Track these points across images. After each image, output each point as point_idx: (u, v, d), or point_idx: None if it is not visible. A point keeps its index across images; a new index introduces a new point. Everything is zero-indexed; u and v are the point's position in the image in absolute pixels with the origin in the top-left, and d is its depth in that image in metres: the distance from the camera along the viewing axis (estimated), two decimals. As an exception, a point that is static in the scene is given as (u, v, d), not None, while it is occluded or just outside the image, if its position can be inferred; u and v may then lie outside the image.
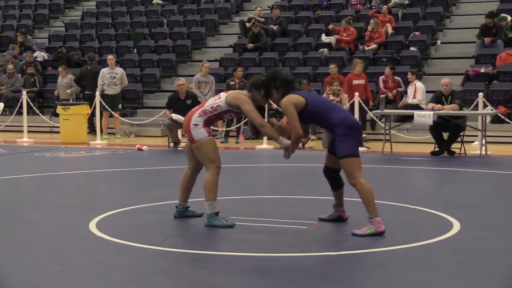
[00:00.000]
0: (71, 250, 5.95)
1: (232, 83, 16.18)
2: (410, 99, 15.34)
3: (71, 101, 17.50)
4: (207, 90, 16.28)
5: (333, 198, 6.97)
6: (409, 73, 15.74)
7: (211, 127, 6.98)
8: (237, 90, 7.12)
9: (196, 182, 7.13)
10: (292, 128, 6.62)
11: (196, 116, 6.79)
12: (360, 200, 6.48)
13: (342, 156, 6.44)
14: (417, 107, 14.64)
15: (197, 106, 7.03)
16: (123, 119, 17.03)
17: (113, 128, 17.11)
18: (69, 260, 5.61)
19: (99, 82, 16.77)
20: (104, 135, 16.67)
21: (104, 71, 16.91)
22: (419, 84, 15.54)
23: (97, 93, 16.28)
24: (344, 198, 6.94)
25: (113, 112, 16.58)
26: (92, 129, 16.92)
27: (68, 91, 17.68)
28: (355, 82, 15.60)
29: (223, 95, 6.87)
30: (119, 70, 17.12)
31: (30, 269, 5.33)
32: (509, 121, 14.27)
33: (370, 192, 6.38)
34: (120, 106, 17.48)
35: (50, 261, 5.57)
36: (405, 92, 16.12)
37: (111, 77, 16.86)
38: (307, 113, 6.54)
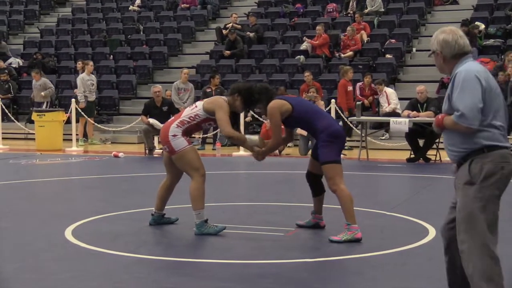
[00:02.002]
0: (45, 258, 5.89)
1: (208, 90, 16.16)
2: (386, 107, 15.44)
3: (45, 105, 17.40)
4: (186, 97, 16.24)
5: (311, 204, 6.98)
6: (376, 85, 15.87)
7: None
8: (215, 96, 7.13)
9: (173, 190, 7.10)
10: (273, 135, 6.75)
11: (174, 126, 6.72)
12: (338, 207, 6.50)
13: (324, 161, 6.49)
14: (394, 113, 14.73)
15: (173, 117, 6.97)
16: (99, 125, 16.97)
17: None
18: (43, 268, 5.56)
19: (81, 89, 16.70)
20: (80, 142, 16.63)
21: (84, 77, 16.86)
22: (389, 90, 15.64)
23: (73, 100, 16.23)
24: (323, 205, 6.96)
25: (88, 118, 16.53)
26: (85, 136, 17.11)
27: (43, 93, 17.52)
28: (349, 88, 15.70)
29: (199, 103, 6.83)
30: (93, 77, 17.16)
31: (3, 277, 5.27)
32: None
33: (350, 199, 6.42)
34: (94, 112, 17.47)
35: (24, 270, 5.51)
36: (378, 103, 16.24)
37: (91, 83, 16.88)
38: (293, 119, 6.61)
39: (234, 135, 6.76)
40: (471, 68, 4.07)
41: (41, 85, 17.69)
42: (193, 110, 6.79)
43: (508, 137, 4.19)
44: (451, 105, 4.04)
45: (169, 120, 6.97)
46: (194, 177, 6.67)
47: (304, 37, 19.38)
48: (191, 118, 6.74)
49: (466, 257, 4.01)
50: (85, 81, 16.78)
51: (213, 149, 15.40)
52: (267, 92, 6.78)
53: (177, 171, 6.89)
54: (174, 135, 6.67)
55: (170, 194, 7.09)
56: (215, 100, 6.80)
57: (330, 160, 6.47)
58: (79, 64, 17.84)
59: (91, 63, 17.40)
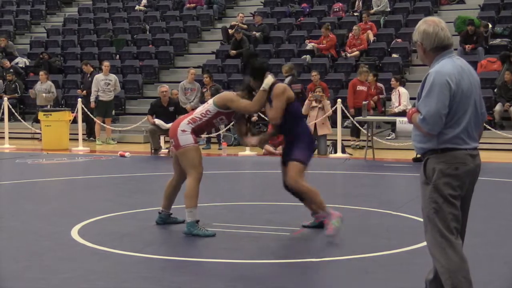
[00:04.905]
0: (51, 257, 5.90)
1: (204, 90, 16.21)
2: (395, 107, 15.40)
3: (49, 106, 17.42)
4: (193, 97, 16.24)
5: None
6: (392, 79, 15.83)
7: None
8: (224, 92, 7.26)
9: (179, 189, 7.12)
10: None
11: (185, 122, 6.78)
12: (336, 205, 6.49)
13: (297, 159, 6.64)
14: (403, 113, 14.69)
15: (186, 114, 7.08)
16: (104, 125, 16.98)
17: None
18: (49, 267, 5.57)
19: (94, 88, 16.74)
20: (97, 141, 16.70)
21: (98, 77, 16.90)
22: (402, 90, 15.61)
23: (80, 99, 16.25)
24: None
25: (97, 120, 16.54)
26: (91, 135, 17.15)
27: (44, 94, 17.52)
28: (359, 88, 15.64)
29: (210, 100, 6.94)
30: (112, 77, 17.12)
31: (9, 276, 5.28)
32: (490, 128, 14.35)
33: (316, 191, 6.66)
34: (113, 112, 17.48)
35: (30, 269, 5.52)
36: (388, 99, 16.17)
37: (106, 83, 16.87)
38: (289, 111, 6.66)
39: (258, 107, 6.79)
40: (443, 70, 3.94)
41: (46, 88, 17.68)
42: (204, 107, 6.89)
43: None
44: (417, 105, 4.02)
45: (181, 116, 7.07)
46: (191, 174, 6.71)
47: (307, 41, 19.35)
48: (203, 114, 6.81)
49: (432, 256, 4.06)
50: (99, 81, 16.80)
51: (219, 149, 15.40)
52: (260, 70, 6.81)
53: (183, 170, 6.91)
54: (183, 130, 6.73)
55: (177, 193, 7.10)
56: (224, 95, 6.94)
57: (302, 160, 6.63)
58: (84, 67, 17.83)
59: (106, 63, 17.36)
